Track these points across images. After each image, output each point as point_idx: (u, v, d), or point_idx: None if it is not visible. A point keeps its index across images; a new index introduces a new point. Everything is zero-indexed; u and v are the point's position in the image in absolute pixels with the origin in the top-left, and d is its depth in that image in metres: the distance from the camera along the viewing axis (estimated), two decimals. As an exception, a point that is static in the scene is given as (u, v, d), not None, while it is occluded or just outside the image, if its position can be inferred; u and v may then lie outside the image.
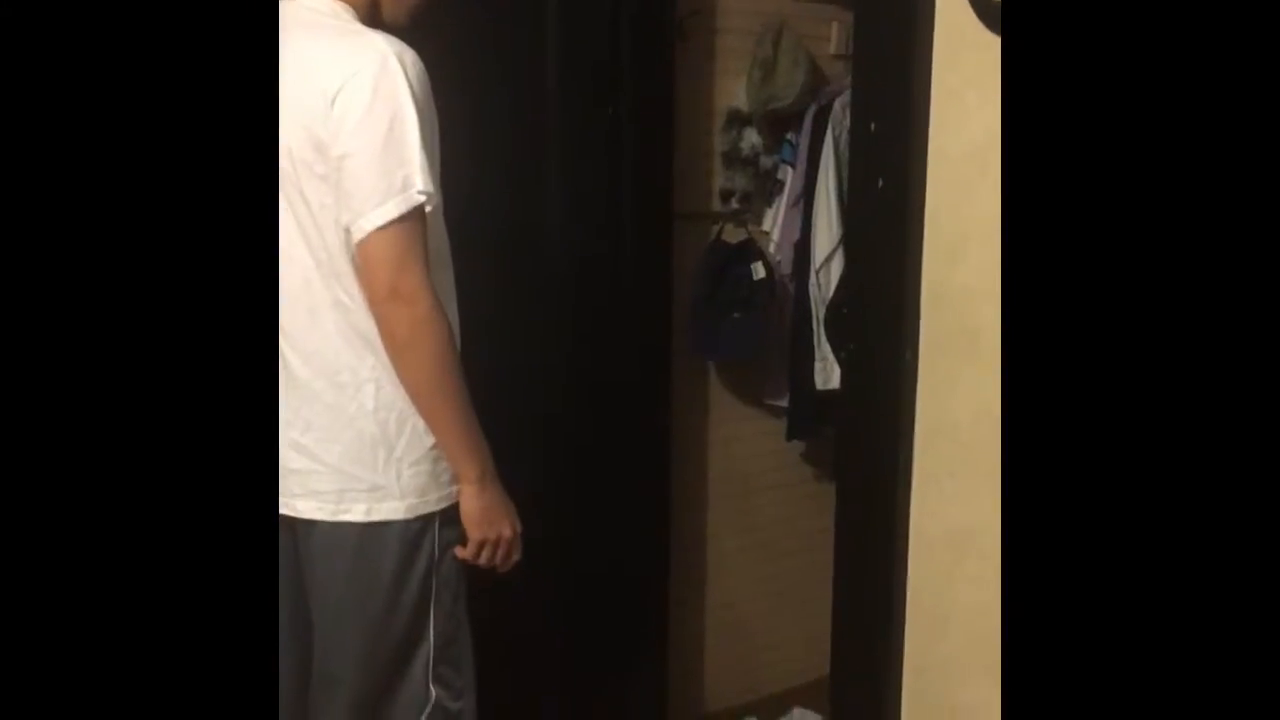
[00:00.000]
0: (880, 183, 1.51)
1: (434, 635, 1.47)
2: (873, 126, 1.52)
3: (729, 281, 2.33)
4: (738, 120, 2.34)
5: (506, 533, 1.47)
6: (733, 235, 2.37)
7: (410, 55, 1.33)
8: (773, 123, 2.37)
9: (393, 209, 1.30)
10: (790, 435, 2.44)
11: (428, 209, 1.33)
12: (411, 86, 1.31)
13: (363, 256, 1.34)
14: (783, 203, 2.39)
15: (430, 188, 1.32)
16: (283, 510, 1.44)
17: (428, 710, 1.48)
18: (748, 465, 2.48)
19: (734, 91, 2.33)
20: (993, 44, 1.32)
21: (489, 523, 1.45)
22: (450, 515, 1.46)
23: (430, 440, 1.43)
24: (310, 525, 1.44)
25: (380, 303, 1.34)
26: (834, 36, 2.45)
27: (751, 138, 2.35)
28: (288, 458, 1.43)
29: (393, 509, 1.42)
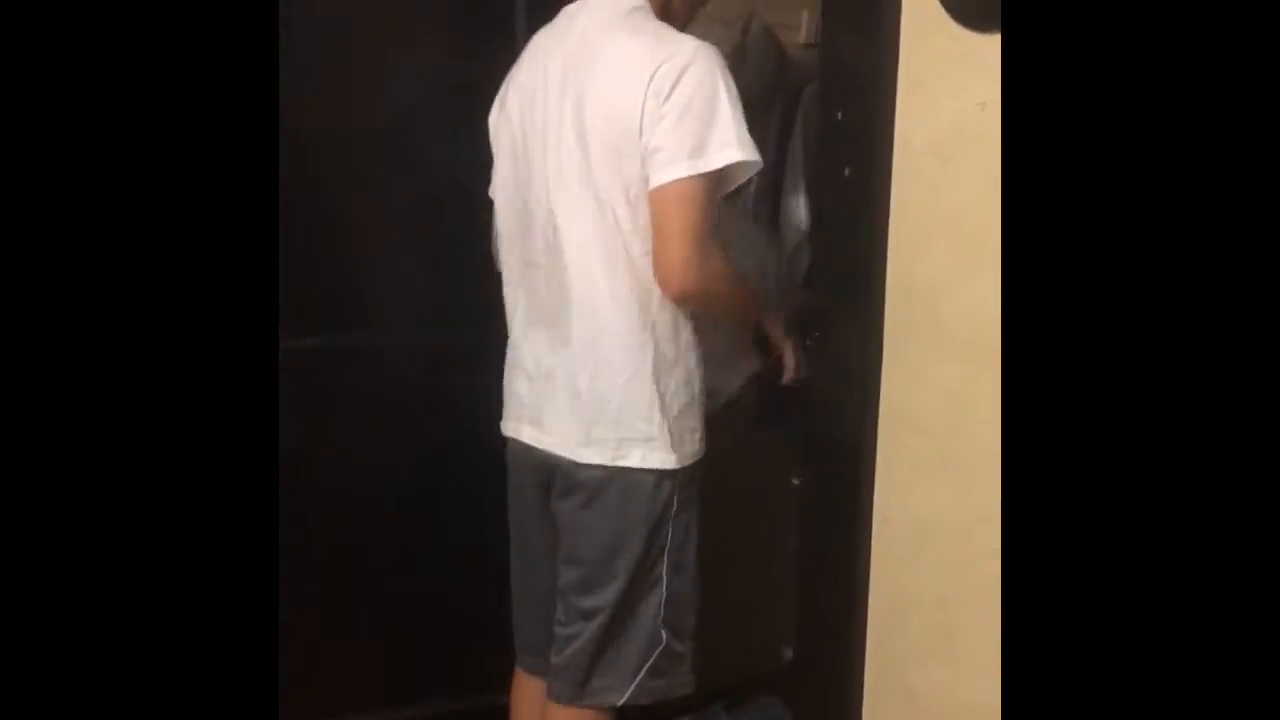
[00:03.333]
0: (846, 172, 1.52)
1: (666, 580, 1.68)
2: (839, 116, 1.53)
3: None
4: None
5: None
6: (702, 224, 2.36)
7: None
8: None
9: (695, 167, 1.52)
10: (757, 424, 2.44)
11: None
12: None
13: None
14: (752, 192, 2.39)
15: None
16: (565, 455, 1.67)
17: (659, 651, 1.70)
18: (712, 453, 2.48)
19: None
20: (958, 33, 1.33)
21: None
22: (688, 474, 1.68)
23: (688, 395, 1.67)
24: (580, 468, 1.65)
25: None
26: (804, 26, 2.45)
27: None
28: (576, 407, 1.65)
29: (663, 459, 1.64)
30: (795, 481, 2.13)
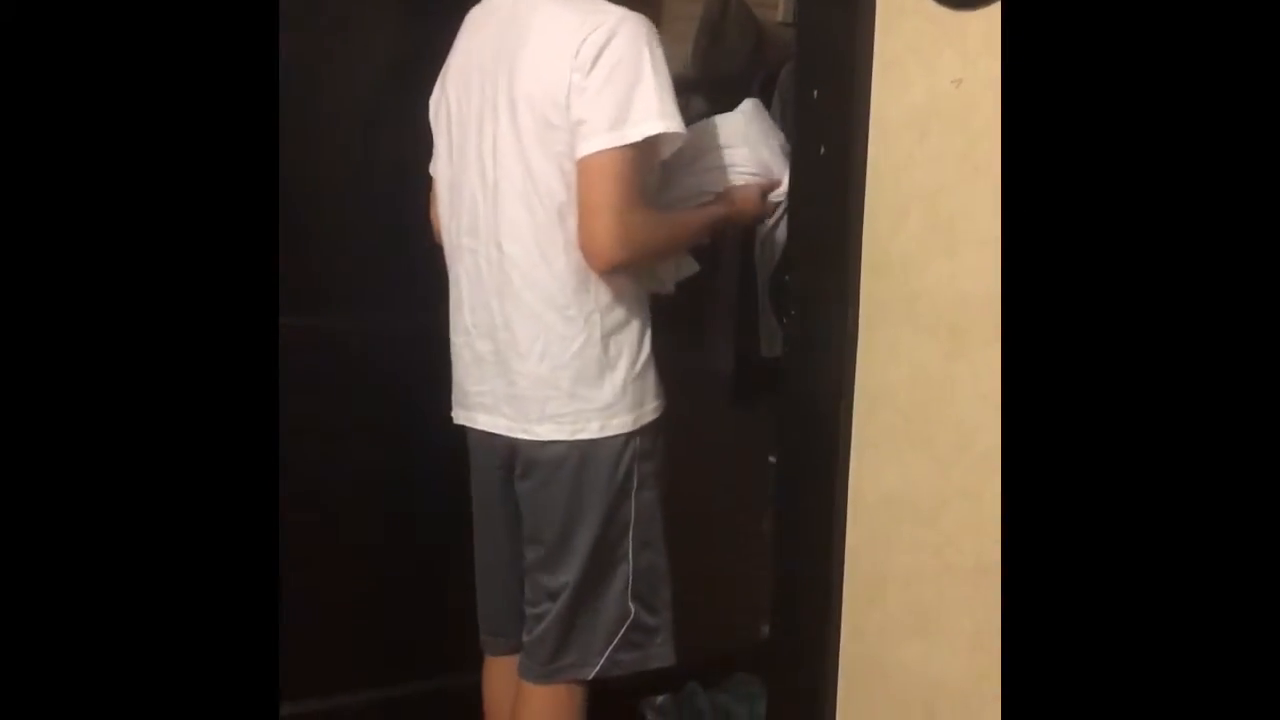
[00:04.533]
0: (822, 150, 1.52)
1: (632, 554, 1.69)
2: (815, 93, 1.52)
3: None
4: (685, 87, 2.33)
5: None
6: (679, 202, 2.36)
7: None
8: (721, 90, 2.36)
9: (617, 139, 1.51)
10: (734, 402, 2.44)
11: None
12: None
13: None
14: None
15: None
16: (522, 435, 1.66)
17: (628, 624, 1.70)
18: (688, 431, 2.48)
19: (681, 57, 2.32)
20: (933, 10, 1.32)
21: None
22: (647, 445, 1.69)
23: (643, 354, 1.67)
24: (542, 446, 1.64)
25: None
26: (782, 4, 2.44)
27: (699, 105, 2.34)
28: (525, 386, 1.64)
29: (622, 423, 1.65)
30: (771, 459, 2.13)
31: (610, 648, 1.70)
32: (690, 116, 2.34)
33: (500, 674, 1.86)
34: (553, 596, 1.70)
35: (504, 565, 1.79)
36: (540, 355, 1.63)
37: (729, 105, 2.40)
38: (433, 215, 1.86)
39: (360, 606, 2.26)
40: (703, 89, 2.34)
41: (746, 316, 2.36)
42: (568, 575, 1.68)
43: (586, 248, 1.56)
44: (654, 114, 1.51)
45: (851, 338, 1.48)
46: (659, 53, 1.54)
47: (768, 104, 2.30)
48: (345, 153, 2.17)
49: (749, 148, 1.84)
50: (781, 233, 2.28)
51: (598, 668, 1.71)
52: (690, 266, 1.91)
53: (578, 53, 1.51)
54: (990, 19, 1.25)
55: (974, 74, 1.28)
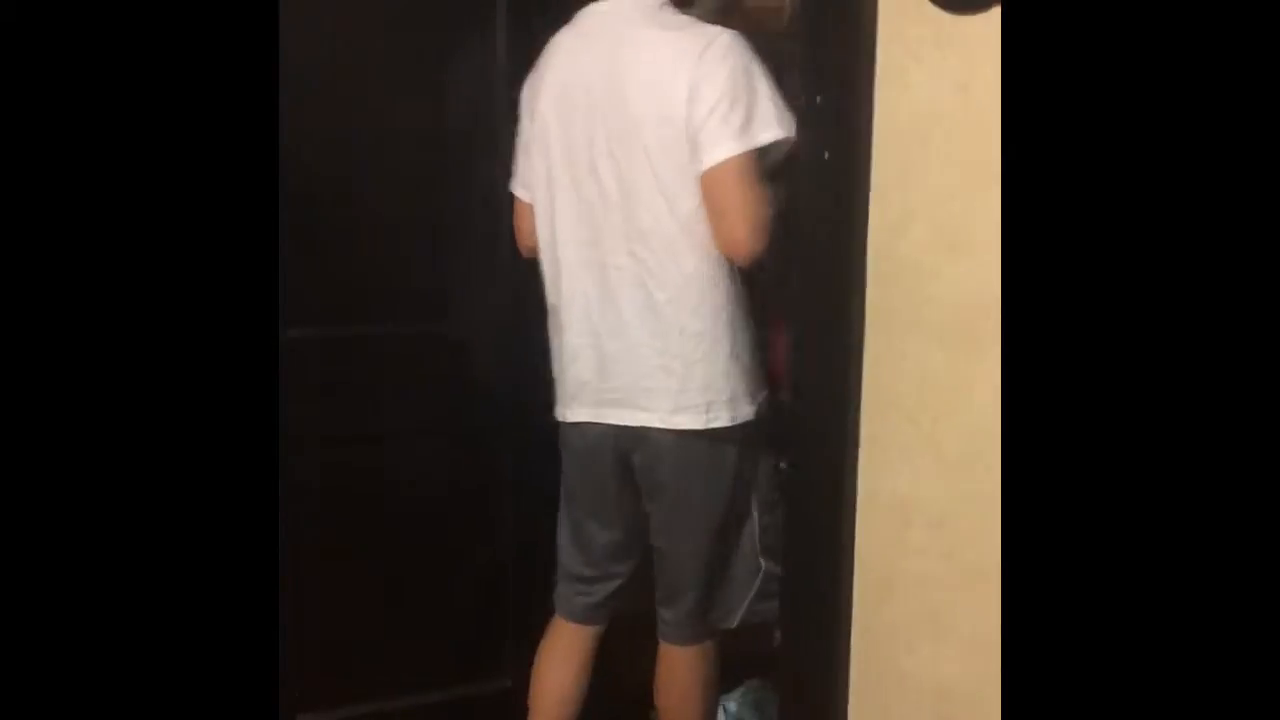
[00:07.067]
0: (826, 155, 1.52)
1: (757, 514, 1.91)
2: (818, 99, 1.52)
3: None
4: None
5: None
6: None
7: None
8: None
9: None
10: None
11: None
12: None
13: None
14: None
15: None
16: (659, 424, 1.83)
17: (760, 578, 1.92)
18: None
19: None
20: (936, 16, 1.33)
21: None
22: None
23: (750, 347, 1.86)
24: (676, 435, 1.83)
25: None
26: (786, 10, 2.45)
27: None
28: (660, 380, 1.82)
29: (748, 412, 1.85)
30: (781, 466, 2.14)
31: (749, 599, 1.91)
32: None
33: (565, 642, 1.99)
34: (689, 562, 1.87)
35: (611, 539, 1.96)
36: (675, 353, 1.79)
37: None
38: (522, 232, 2.00)
39: (373, 618, 2.27)
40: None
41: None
42: (700, 541, 1.86)
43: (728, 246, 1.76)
44: (773, 120, 1.72)
45: (858, 343, 1.49)
46: (759, 63, 1.72)
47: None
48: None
49: None
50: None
51: (740, 615, 1.92)
52: None
53: (695, 67, 1.69)
54: (991, 22, 1.25)
55: (976, 78, 1.29)
